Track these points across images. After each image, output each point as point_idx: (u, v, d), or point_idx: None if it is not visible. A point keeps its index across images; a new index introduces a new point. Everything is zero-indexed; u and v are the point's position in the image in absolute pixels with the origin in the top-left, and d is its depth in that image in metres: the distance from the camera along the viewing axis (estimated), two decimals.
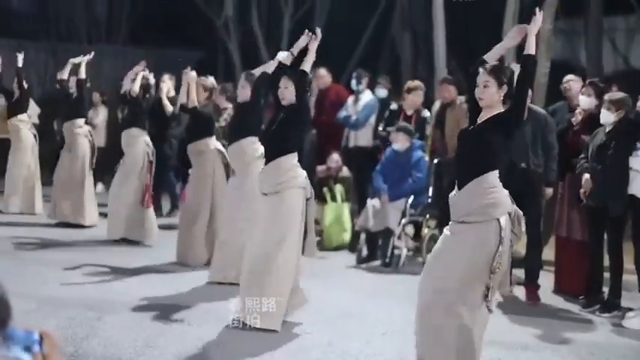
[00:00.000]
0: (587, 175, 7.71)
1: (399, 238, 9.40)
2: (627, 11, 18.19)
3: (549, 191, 8.18)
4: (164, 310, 7.14)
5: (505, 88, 5.31)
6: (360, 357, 6.11)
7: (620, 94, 7.86)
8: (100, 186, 14.04)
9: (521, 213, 5.37)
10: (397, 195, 9.54)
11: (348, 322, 7.01)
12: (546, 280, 8.50)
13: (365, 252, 9.66)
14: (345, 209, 10.74)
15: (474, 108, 5.45)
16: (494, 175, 5.27)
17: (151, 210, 10.39)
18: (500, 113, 5.33)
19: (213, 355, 6.08)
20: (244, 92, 8.10)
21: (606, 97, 7.76)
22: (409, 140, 9.66)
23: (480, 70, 5.35)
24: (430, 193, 9.78)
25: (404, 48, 20.02)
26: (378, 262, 9.58)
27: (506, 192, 5.31)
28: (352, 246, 10.22)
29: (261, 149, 7.54)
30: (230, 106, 9.56)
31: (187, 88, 9.21)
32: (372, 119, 11.10)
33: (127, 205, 10.17)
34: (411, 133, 9.72)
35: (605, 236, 7.80)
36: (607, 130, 7.68)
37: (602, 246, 7.81)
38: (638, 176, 7.50)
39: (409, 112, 10.43)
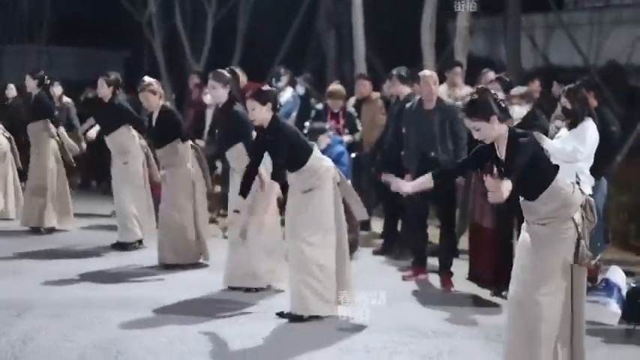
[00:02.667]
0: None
1: None
2: (545, 9, 18.62)
3: (459, 180, 8.38)
4: (84, 305, 7.23)
5: (494, 117, 5.15)
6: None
7: (524, 88, 8.21)
8: None
9: (592, 200, 5.37)
10: None
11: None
12: (462, 268, 8.73)
13: None
14: None
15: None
16: (559, 180, 5.25)
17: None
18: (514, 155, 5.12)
19: (129, 342, 6.20)
20: (216, 93, 7.92)
21: (513, 92, 8.02)
22: (329, 138, 9.85)
23: (463, 118, 5.32)
24: None
25: (329, 46, 20.22)
26: None
27: (576, 187, 5.31)
28: None
29: None
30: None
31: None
32: (293, 116, 11.24)
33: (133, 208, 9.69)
34: (325, 131, 9.90)
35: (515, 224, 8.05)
36: (514, 123, 7.94)
37: (512, 234, 8.05)
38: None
39: (335, 110, 10.58)
